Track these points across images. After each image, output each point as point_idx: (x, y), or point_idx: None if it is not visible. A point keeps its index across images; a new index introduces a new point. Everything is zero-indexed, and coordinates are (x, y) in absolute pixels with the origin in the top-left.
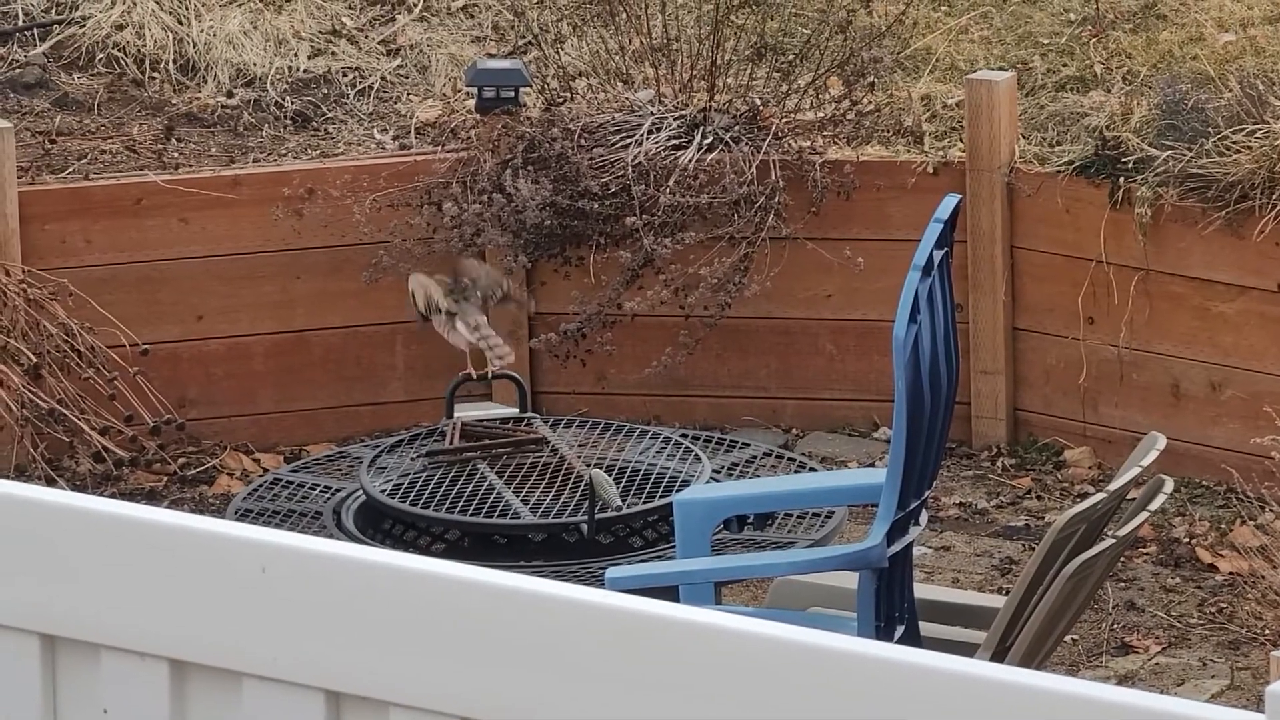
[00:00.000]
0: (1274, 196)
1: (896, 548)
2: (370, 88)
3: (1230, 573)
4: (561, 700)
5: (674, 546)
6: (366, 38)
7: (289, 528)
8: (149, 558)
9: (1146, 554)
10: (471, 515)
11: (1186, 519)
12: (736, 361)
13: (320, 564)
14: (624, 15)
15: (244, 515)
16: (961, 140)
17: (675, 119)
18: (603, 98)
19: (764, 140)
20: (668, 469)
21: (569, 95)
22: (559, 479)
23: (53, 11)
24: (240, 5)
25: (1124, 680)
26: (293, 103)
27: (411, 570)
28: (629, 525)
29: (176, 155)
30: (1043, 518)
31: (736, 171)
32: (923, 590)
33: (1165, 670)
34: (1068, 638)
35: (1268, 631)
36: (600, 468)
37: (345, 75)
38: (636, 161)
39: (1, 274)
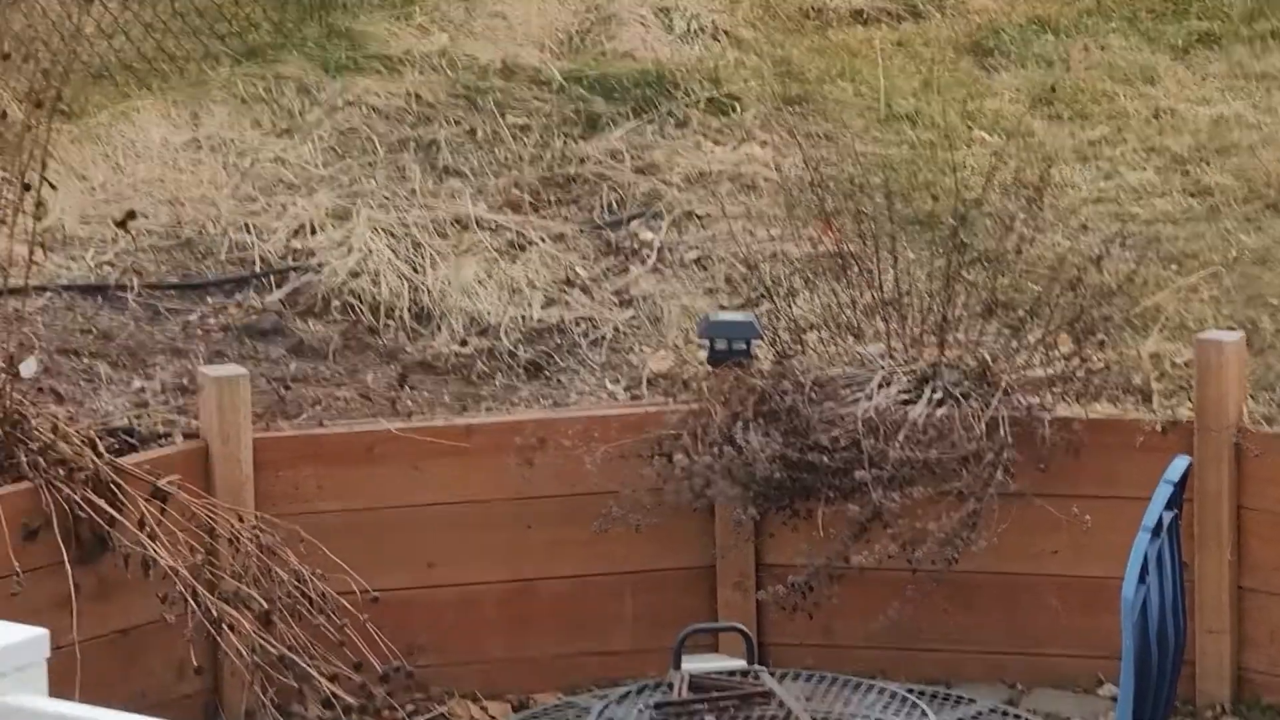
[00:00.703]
0: None
1: None
2: (603, 338)
3: None
4: None
5: None
6: (600, 288)
7: None
8: None
9: None
10: None
11: None
12: (962, 616)
13: None
14: (855, 269)
15: None
16: (1190, 399)
17: (905, 373)
18: (833, 351)
19: (993, 396)
20: None
21: (800, 348)
22: None
23: (290, 258)
24: (475, 254)
25: None
26: (526, 352)
27: None
28: None
29: (410, 403)
30: None
31: (965, 427)
32: None
33: None
34: None
35: None
36: None
37: (578, 325)
38: (866, 415)
39: (235, 520)
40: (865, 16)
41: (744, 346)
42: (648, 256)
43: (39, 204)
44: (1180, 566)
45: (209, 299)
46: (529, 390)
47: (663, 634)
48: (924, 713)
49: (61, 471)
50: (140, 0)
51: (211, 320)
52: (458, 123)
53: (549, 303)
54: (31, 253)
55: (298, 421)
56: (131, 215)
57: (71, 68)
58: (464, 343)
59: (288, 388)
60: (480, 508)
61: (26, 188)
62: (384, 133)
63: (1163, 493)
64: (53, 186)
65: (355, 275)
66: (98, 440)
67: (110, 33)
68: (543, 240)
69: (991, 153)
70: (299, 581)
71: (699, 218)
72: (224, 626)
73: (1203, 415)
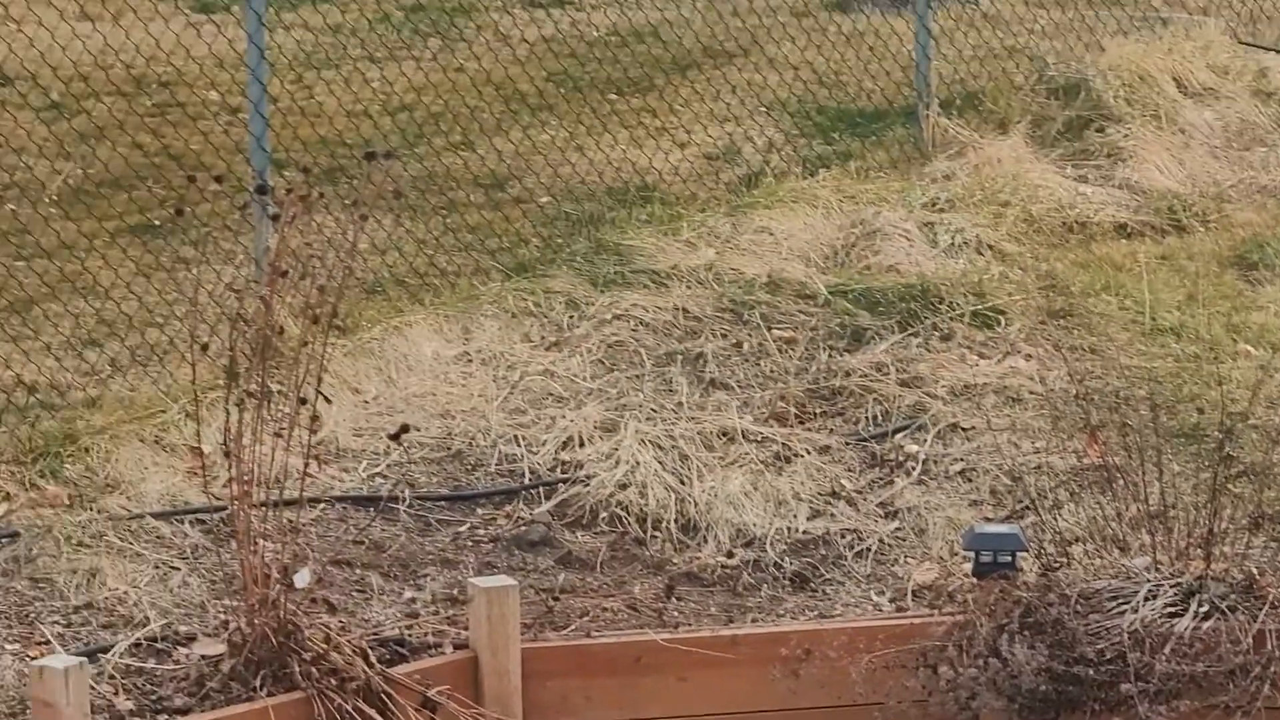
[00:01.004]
0: None
1: None
2: (868, 549)
3: None
4: None
5: None
6: (865, 500)
7: None
8: None
9: None
10: None
11: None
12: None
13: None
14: (1121, 482)
15: None
16: None
17: (1171, 586)
18: (1099, 563)
19: (1260, 609)
20: None
21: (1065, 560)
22: None
23: (558, 470)
24: (741, 466)
25: None
26: (791, 563)
27: None
28: None
29: (676, 614)
30: None
31: (1233, 640)
32: None
33: None
34: None
35: None
36: None
37: (843, 537)
38: (1133, 628)
39: None
40: (1129, 230)
41: (1009, 559)
42: (913, 469)
43: (314, 417)
44: None
45: (479, 510)
46: (794, 601)
47: None
48: None
49: (333, 681)
50: (413, 217)
51: (481, 531)
52: (724, 336)
53: (814, 514)
54: (306, 465)
55: (566, 632)
56: (405, 429)
57: (347, 284)
58: (730, 554)
59: (556, 599)
60: (745, 718)
61: (303, 402)
62: (651, 346)
63: None
64: (328, 400)
65: (623, 487)
66: (369, 650)
67: (384, 249)
68: (808, 452)
69: (1257, 366)
70: None
71: (964, 430)
72: None
73: None
